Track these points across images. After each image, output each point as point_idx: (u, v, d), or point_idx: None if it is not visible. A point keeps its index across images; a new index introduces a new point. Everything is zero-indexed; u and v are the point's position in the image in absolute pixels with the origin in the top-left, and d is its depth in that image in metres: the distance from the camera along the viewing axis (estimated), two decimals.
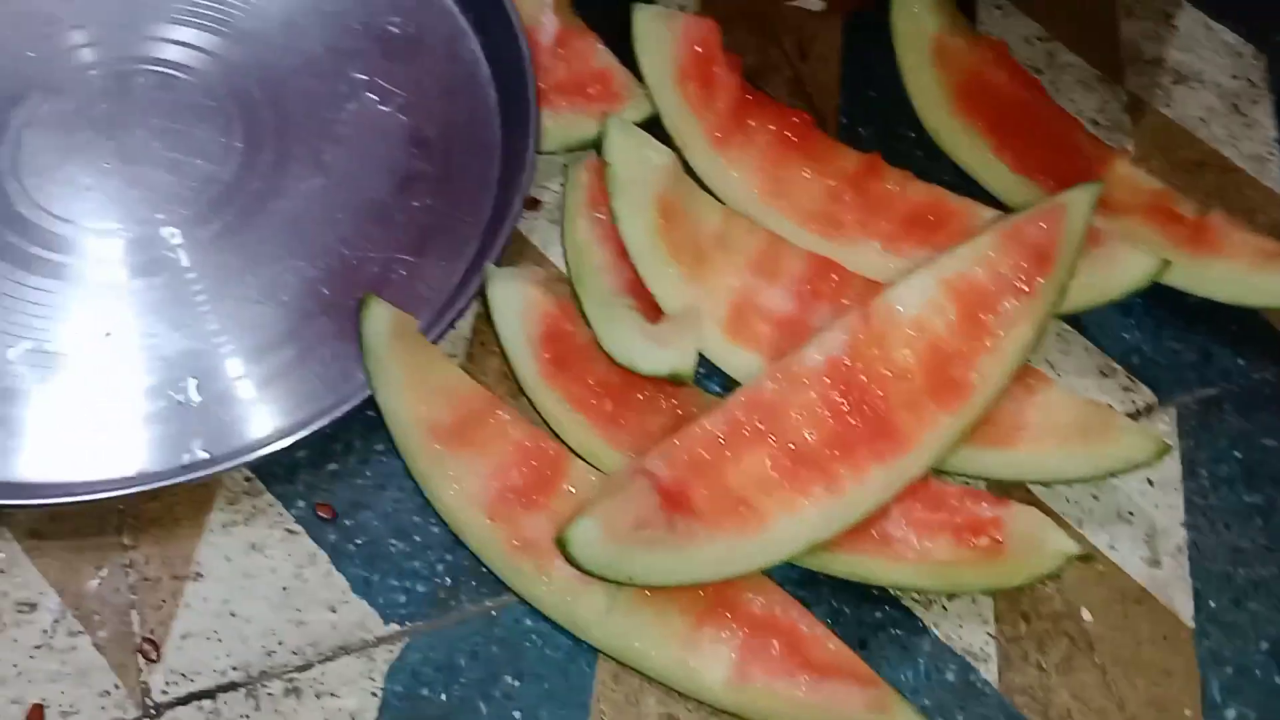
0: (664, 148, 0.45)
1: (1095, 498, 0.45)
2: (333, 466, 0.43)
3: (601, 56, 0.51)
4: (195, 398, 0.43)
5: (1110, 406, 0.45)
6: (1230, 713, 0.42)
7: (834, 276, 0.45)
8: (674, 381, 0.41)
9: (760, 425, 0.40)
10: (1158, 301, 0.49)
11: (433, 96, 0.50)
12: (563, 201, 0.47)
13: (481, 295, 0.45)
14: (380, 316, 0.40)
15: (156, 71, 0.50)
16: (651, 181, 0.44)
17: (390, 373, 0.40)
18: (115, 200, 0.47)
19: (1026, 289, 0.41)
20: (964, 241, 0.43)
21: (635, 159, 0.44)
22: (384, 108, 0.50)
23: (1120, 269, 0.43)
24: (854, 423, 0.40)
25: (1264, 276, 0.46)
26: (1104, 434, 0.41)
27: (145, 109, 0.48)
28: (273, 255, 0.46)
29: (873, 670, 0.39)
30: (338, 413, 0.41)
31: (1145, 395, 0.48)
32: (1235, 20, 0.59)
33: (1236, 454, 0.47)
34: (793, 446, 0.40)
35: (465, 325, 0.46)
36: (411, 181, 0.48)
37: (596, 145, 0.46)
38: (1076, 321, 0.49)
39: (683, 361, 0.41)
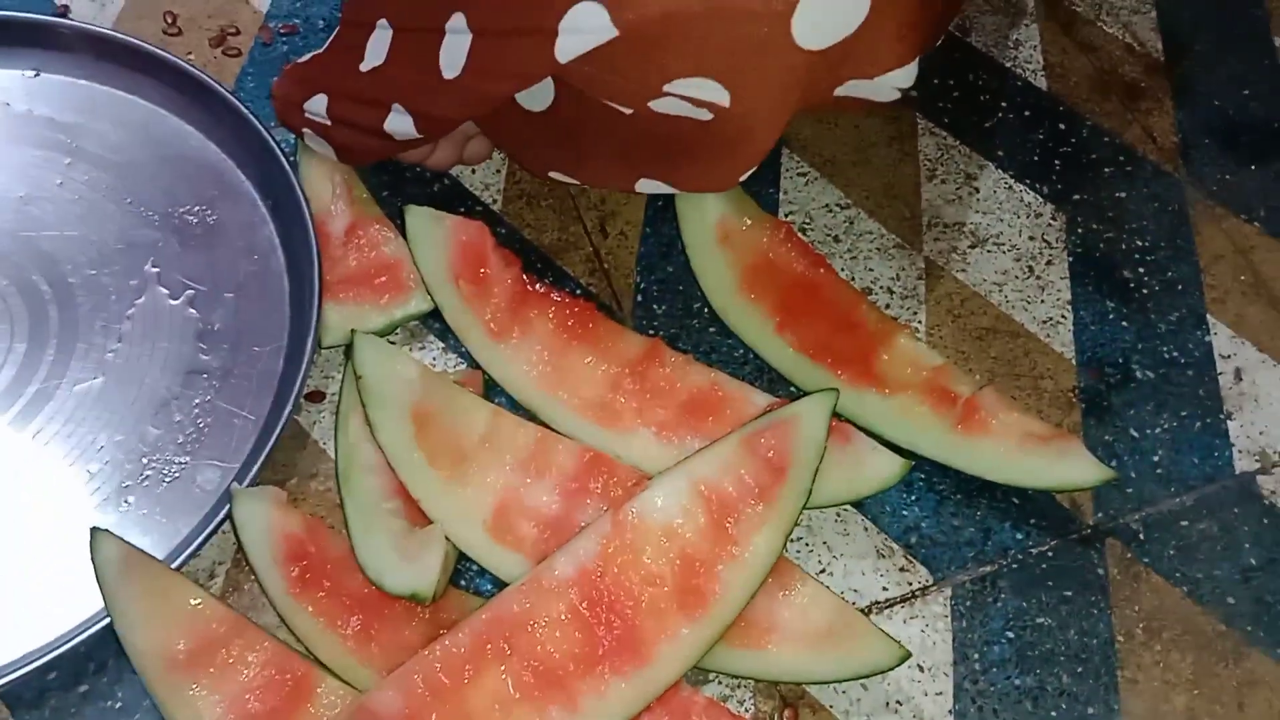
0: (413, 361, 0.46)
1: (864, 687, 0.46)
2: (83, 688, 0.43)
3: (393, 246, 0.52)
4: None
5: (859, 610, 0.45)
6: None
7: (603, 472, 0.46)
8: (416, 601, 0.42)
9: (504, 643, 0.40)
10: (939, 477, 0.50)
11: (226, 288, 0.51)
12: (338, 397, 0.48)
13: None
14: (110, 549, 0.40)
15: None
16: (404, 392, 0.44)
17: (123, 605, 0.40)
18: None
19: (765, 498, 0.42)
20: (713, 444, 0.43)
21: (387, 373, 0.45)
22: (174, 301, 0.51)
23: (868, 470, 0.44)
24: (599, 635, 0.41)
25: (1028, 458, 0.47)
26: (850, 638, 0.42)
27: None
28: (43, 459, 0.46)
29: None
30: (80, 636, 0.41)
31: (921, 575, 0.48)
32: (1036, 180, 0.60)
33: (1009, 634, 0.47)
34: (536, 664, 0.40)
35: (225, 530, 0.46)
36: (194, 377, 0.49)
37: (349, 345, 0.47)
38: (854, 502, 0.49)
39: (421, 585, 0.41)
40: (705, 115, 0.39)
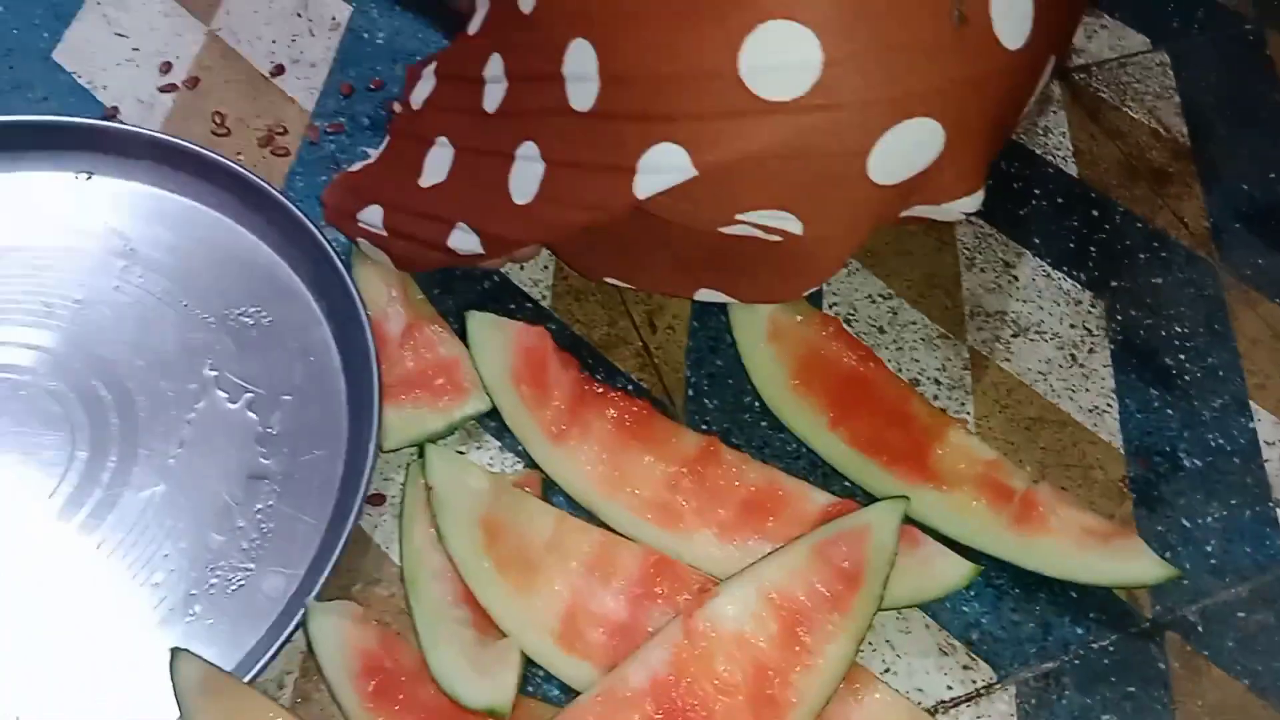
0: (483, 472, 0.46)
1: None
2: None
3: (449, 346, 0.52)
4: None
5: (932, 708, 0.45)
6: None
7: (667, 576, 0.46)
8: (493, 716, 0.41)
9: None
10: (998, 572, 0.50)
11: (283, 390, 0.51)
12: (401, 502, 0.48)
13: None
14: (189, 669, 0.40)
15: (17, 384, 0.50)
16: (473, 503, 0.45)
17: None
18: None
19: (839, 607, 0.42)
20: (783, 550, 0.44)
21: (456, 483, 0.45)
22: (232, 405, 0.51)
23: (938, 575, 0.44)
24: None
25: (1088, 556, 0.48)
26: None
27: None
28: (108, 569, 0.46)
29: None
30: None
31: (985, 673, 0.48)
32: (1073, 267, 0.61)
33: None
34: None
35: (305, 640, 0.46)
36: (255, 481, 0.49)
37: (420, 452, 0.47)
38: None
39: (499, 700, 0.41)
40: (775, 238, 0.40)
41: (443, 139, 0.47)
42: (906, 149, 0.36)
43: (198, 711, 0.40)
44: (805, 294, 0.48)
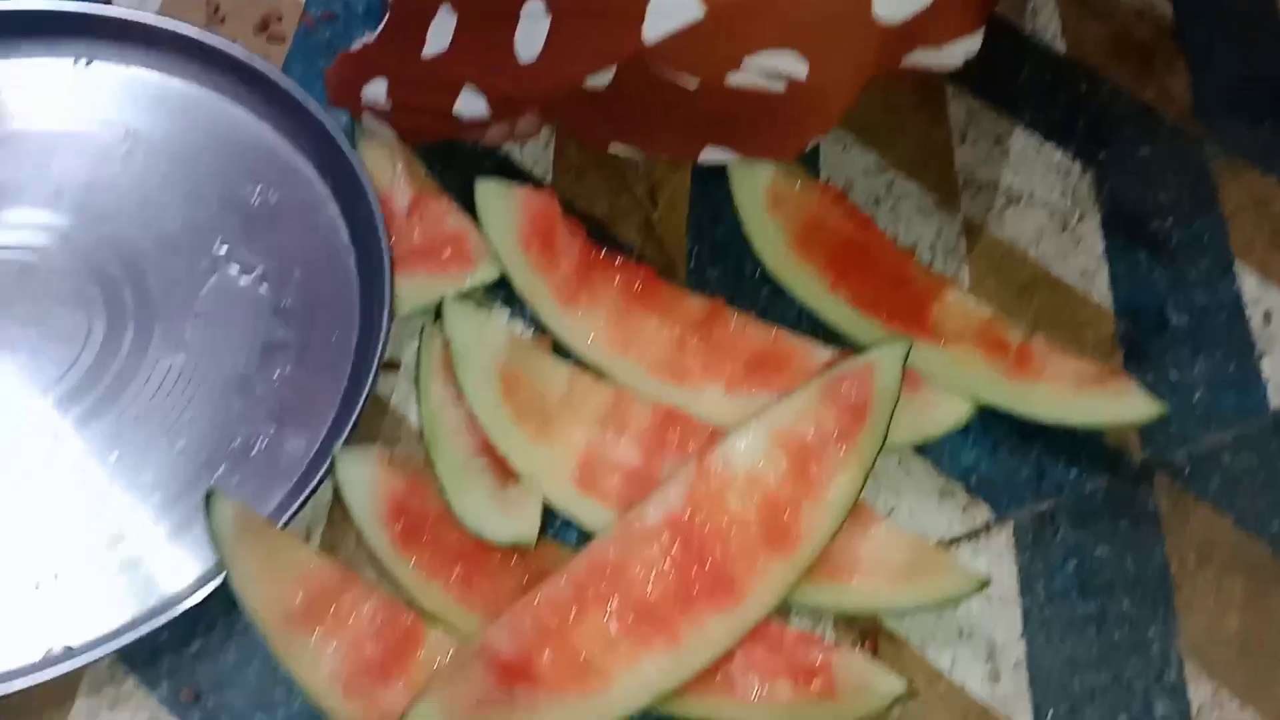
0: (500, 324, 0.47)
1: (937, 618, 0.47)
2: (195, 646, 0.44)
3: (455, 219, 0.53)
4: (56, 588, 0.44)
5: (933, 543, 0.47)
6: None
7: (679, 425, 0.47)
8: (520, 548, 0.43)
9: (602, 586, 0.42)
10: (994, 421, 0.52)
11: (293, 265, 0.52)
12: (415, 364, 0.49)
13: None
14: (225, 510, 0.42)
15: (10, 257, 0.51)
16: (492, 355, 0.46)
17: (240, 564, 0.41)
18: None
19: (846, 441, 0.44)
20: (791, 394, 0.45)
21: (475, 336, 0.46)
22: (245, 280, 0.52)
23: (937, 413, 0.46)
24: (692, 576, 0.42)
25: (1082, 399, 0.50)
26: (930, 570, 0.44)
27: (6, 296, 0.50)
28: (135, 436, 0.47)
29: None
30: (195, 598, 0.42)
31: (983, 513, 0.50)
32: (1062, 140, 0.63)
33: (1070, 565, 0.49)
34: (635, 604, 0.42)
35: (328, 492, 0.47)
36: (273, 351, 0.50)
37: (438, 316, 0.48)
38: (917, 446, 0.51)
39: (525, 532, 0.43)
40: (779, 87, 0.41)
41: (445, 7, 0.47)
42: None
43: (235, 552, 0.41)
44: (809, 147, 0.49)
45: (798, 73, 0.39)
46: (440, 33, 0.47)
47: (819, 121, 0.45)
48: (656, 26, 0.38)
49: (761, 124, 0.45)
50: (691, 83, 0.42)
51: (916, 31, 0.40)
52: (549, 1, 0.41)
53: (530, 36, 0.42)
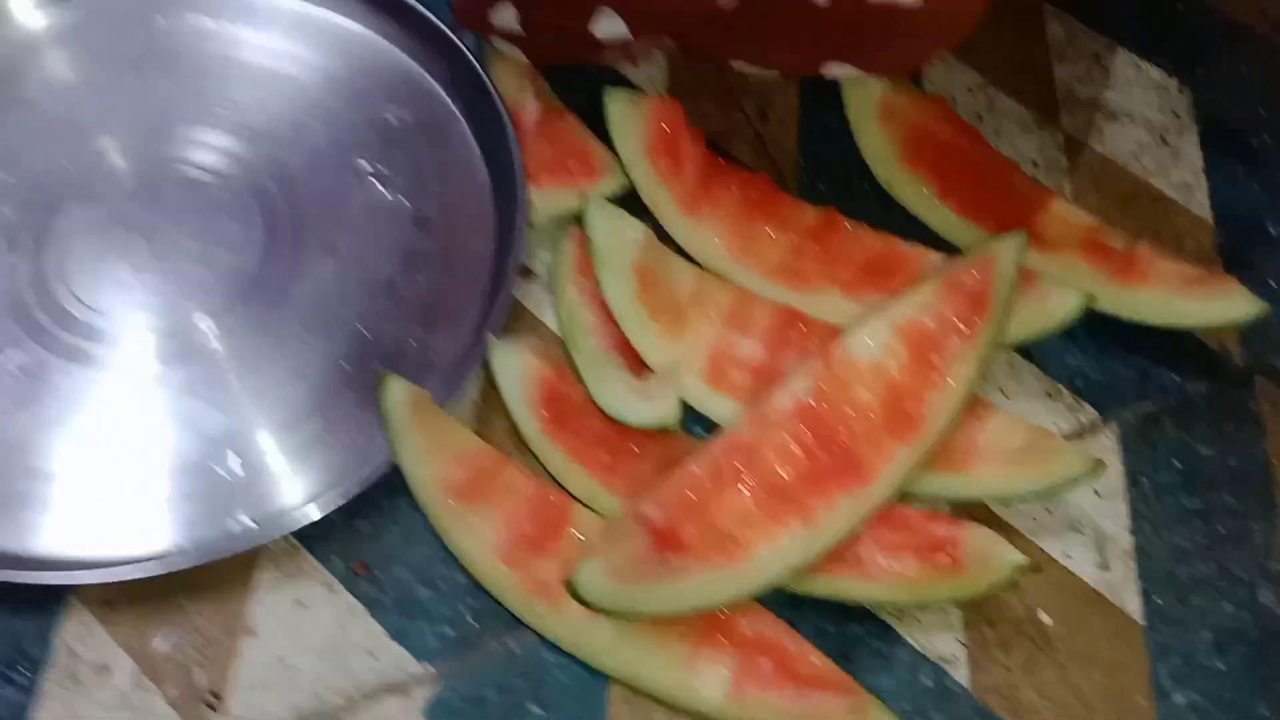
0: (638, 223, 0.50)
1: (1048, 511, 0.50)
2: (363, 525, 0.48)
3: (579, 134, 0.56)
4: (237, 472, 0.48)
5: (1050, 431, 0.50)
6: (1178, 698, 0.47)
7: (799, 325, 0.50)
8: (661, 430, 0.46)
9: (739, 465, 0.45)
10: (1098, 327, 0.54)
11: (430, 179, 0.56)
12: (552, 270, 0.53)
13: (485, 362, 0.50)
14: (397, 391, 0.45)
15: (182, 173, 0.55)
16: (629, 253, 0.49)
17: (409, 441, 0.45)
18: (151, 293, 0.52)
19: (967, 331, 0.46)
20: (912, 289, 0.48)
21: (614, 235, 0.49)
22: (386, 193, 0.55)
23: (1051, 307, 0.48)
24: (822, 459, 0.45)
25: (1186, 301, 0.52)
26: (1046, 455, 0.46)
27: (174, 208, 0.54)
28: (297, 336, 0.51)
29: (854, 680, 0.44)
30: (367, 479, 0.46)
31: (1089, 414, 0.53)
32: (1161, 57, 0.64)
33: (1175, 463, 0.52)
34: (769, 483, 0.45)
35: (473, 389, 0.51)
36: (415, 259, 0.54)
37: (579, 219, 0.51)
38: (1025, 350, 0.54)
39: (668, 414, 0.46)
40: (914, 3, 0.42)
41: None
42: None
43: (405, 431, 0.45)
44: (932, 57, 0.51)
45: None
46: None
47: (945, 37, 0.47)
48: None
49: (887, 39, 0.47)
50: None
51: None
52: None
53: None
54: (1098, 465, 0.46)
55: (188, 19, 0.59)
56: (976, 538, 0.44)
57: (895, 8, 0.44)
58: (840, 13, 0.45)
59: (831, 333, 0.50)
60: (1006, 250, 0.47)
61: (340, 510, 0.46)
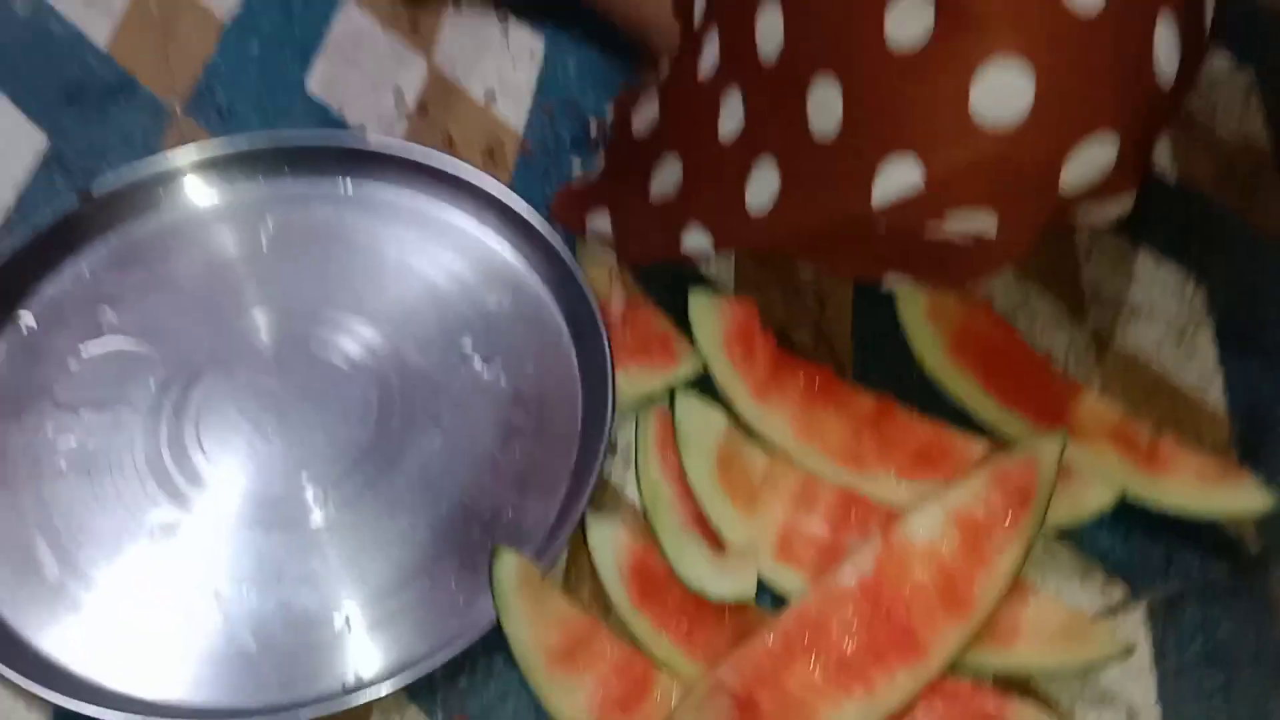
0: (719, 413, 0.57)
1: (1082, 683, 0.55)
2: (463, 681, 0.53)
3: (659, 322, 0.63)
4: (349, 628, 0.54)
5: (1085, 611, 0.55)
6: None
7: (860, 507, 0.56)
8: (741, 602, 0.52)
9: (808, 638, 0.50)
10: (1126, 511, 0.60)
11: (526, 360, 0.62)
12: (635, 447, 0.59)
13: (576, 532, 0.56)
14: (508, 563, 0.51)
15: (317, 353, 0.61)
16: (711, 438, 0.55)
17: (515, 608, 0.51)
18: (273, 460, 0.58)
19: (1013, 521, 0.52)
20: (964, 479, 0.54)
21: (698, 421, 0.56)
22: (486, 372, 0.62)
23: (1086, 500, 0.54)
24: (882, 633, 0.51)
25: (1205, 493, 0.57)
26: (1083, 636, 0.51)
27: (304, 384, 0.60)
28: (405, 504, 0.57)
29: None
30: (473, 637, 0.51)
31: (1119, 592, 0.58)
32: (1179, 255, 0.71)
33: (1198, 640, 0.57)
34: (835, 655, 0.50)
35: (560, 556, 0.57)
36: (512, 434, 0.60)
37: (670, 399, 0.58)
38: (1061, 531, 0.59)
39: (745, 589, 0.52)
40: (967, 239, 0.49)
41: (671, 154, 0.57)
42: (1091, 159, 0.45)
43: (513, 597, 0.51)
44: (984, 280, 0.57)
45: (988, 229, 0.47)
46: (667, 178, 0.57)
47: (994, 266, 0.53)
48: (884, 193, 0.46)
49: (942, 262, 0.53)
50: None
51: (1089, 191, 0.48)
52: (781, 161, 0.50)
53: (761, 191, 0.51)
54: (1128, 649, 0.51)
55: (347, 215, 0.67)
56: (1022, 712, 0.49)
57: (950, 241, 0.51)
58: (903, 239, 0.52)
59: (888, 514, 0.56)
60: (1049, 451, 0.53)
61: (444, 667, 0.51)
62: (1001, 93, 0.43)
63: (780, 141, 0.50)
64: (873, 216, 0.47)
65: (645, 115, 0.62)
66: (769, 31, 0.50)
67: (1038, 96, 0.42)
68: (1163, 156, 0.76)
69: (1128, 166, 0.46)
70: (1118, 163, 0.45)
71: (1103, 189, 0.46)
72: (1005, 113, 0.43)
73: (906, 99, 0.44)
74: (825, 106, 0.47)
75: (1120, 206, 0.51)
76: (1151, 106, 0.45)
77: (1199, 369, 0.66)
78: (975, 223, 0.46)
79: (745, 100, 0.52)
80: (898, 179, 0.45)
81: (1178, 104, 0.50)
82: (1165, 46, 0.44)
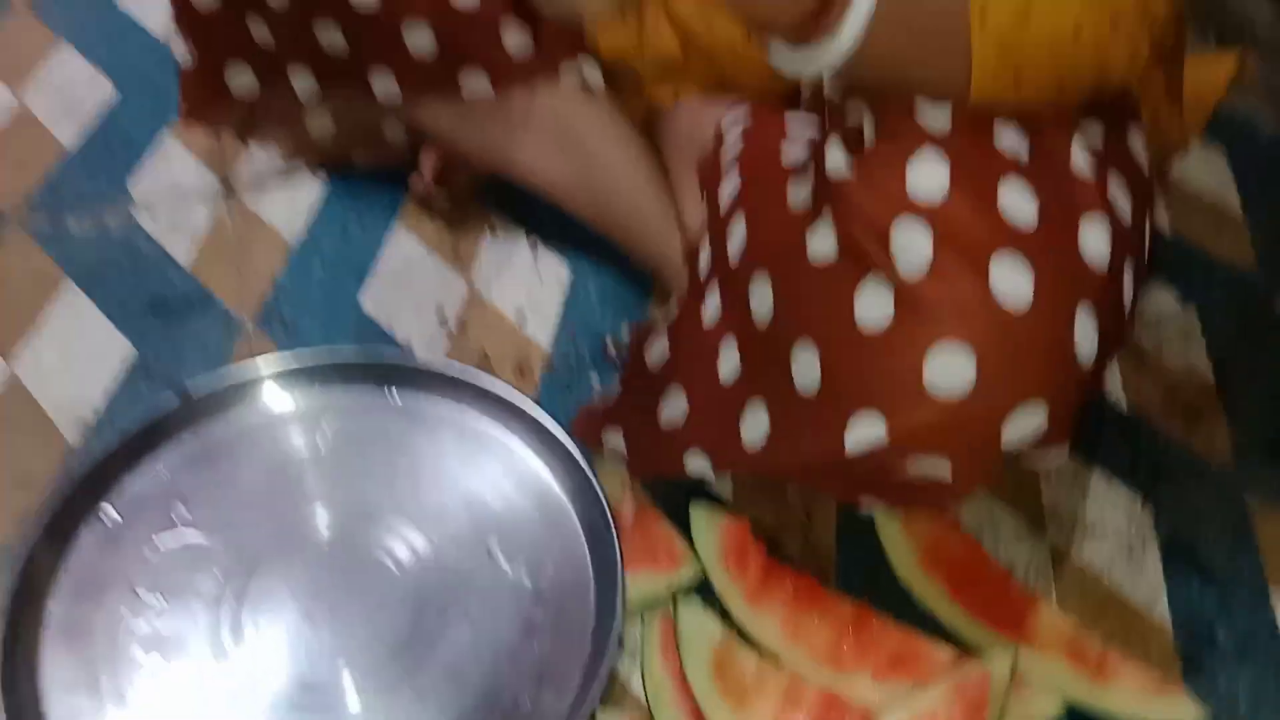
0: (717, 621, 0.65)
1: None
2: None
3: (664, 527, 0.72)
4: None
5: None
6: None
7: (839, 706, 0.63)
8: None
9: None
10: (1076, 714, 0.67)
11: (547, 561, 0.71)
12: (640, 646, 0.67)
13: None
14: None
15: (371, 554, 0.69)
16: (708, 642, 0.63)
17: None
18: (321, 647, 0.66)
19: None
20: (927, 688, 0.61)
21: (698, 628, 0.63)
22: (512, 572, 0.70)
23: (1036, 709, 0.61)
24: None
25: (1147, 703, 0.65)
26: None
27: (355, 580, 0.68)
28: (434, 693, 0.65)
29: None
30: None
31: None
32: (1128, 478, 0.80)
33: None
34: None
35: None
36: (531, 629, 0.68)
37: (673, 604, 0.65)
38: None
39: None
40: (925, 481, 0.58)
41: (678, 387, 0.67)
42: (1025, 422, 0.54)
43: None
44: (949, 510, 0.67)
45: (944, 474, 0.57)
46: (675, 408, 0.67)
47: (952, 501, 0.61)
48: (855, 442, 0.55)
49: (910, 494, 0.62)
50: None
51: (1026, 446, 0.58)
52: (769, 406, 0.60)
53: (754, 428, 0.60)
54: None
55: (394, 423, 0.76)
56: None
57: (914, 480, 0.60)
58: (872, 475, 0.61)
59: (864, 713, 0.63)
60: (1001, 664, 0.61)
61: None
62: (949, 369, 0.52)
63: (769, 390, 0.60)
64: (847, 459, 0.56)
65: (657, 350, 0.72)
66: (761, 298, 0.61)
67: (979, 373, 0.52)
68: (1115, 385, 0.85)
69: (1057, 427, 0.55)
70: (1048, 424, 0.54)
71: (1038, 444, 0.56)
72: (953, 385, 0.53)
73: (873, 370, 0.54)
74: (806, 366, 0.57)
75: (1056, 457, 0.61)
76: (1074, 379, 0.55)
77: (1146, 584, 0.74)
78: (932, 468, 0.56)
79: (740, 350, 0.62)
80: (866, 432, 0.54)
81: (1101, 371, 0.60)
82: (1084, 331, 0.54)
